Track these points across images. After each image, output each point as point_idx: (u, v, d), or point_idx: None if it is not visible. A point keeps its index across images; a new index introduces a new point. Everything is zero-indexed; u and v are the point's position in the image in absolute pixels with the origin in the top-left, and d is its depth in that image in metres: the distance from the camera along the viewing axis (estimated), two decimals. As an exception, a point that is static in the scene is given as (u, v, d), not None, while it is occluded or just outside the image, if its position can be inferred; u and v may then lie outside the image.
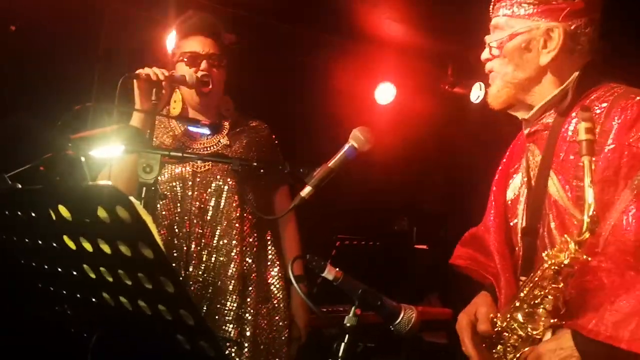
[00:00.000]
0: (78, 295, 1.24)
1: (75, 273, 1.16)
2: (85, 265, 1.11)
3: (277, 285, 2.14)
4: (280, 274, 2.15)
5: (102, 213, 0.96)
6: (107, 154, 1.55)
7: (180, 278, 1.96)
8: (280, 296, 2.14)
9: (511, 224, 1.60)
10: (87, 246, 1.05)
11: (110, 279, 1.07)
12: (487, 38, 1.52)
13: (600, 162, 1.35)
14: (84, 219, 1.00)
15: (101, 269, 1.08)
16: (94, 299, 1.19)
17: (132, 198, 0.92)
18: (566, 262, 1.28)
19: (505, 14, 1.48)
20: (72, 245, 1.08)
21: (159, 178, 2.04)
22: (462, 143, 4.49)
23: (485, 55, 1.53)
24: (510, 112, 1.57)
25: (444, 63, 4.56)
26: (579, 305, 1.32)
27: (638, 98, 1.37)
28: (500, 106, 1.53)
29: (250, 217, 2.10)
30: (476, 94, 4.42)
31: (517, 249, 1.57)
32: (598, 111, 1.41)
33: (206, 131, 1.98)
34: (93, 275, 1.11)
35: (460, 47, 4.35)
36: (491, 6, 1.53)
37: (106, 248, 1.01)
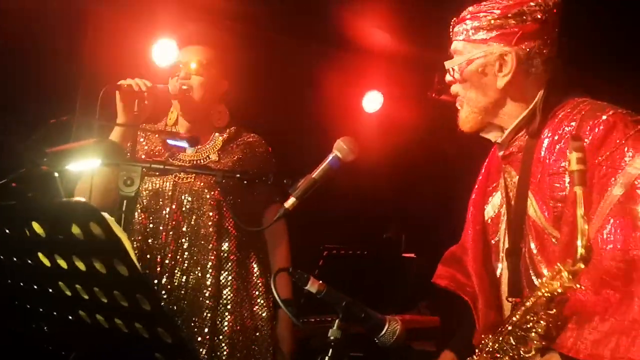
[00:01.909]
0: (55, 313, 1.21)
1: (51, 290, 1.14)
2: (60, 283, 1.09)
3: (261, 306, 2.04)
4: (264, 295, 2.06)
5: (76, 230, 0.94)
6: (84, 168, 1.53)
7: (157, 295, 1.91)
8: (265, 316, 2.04)
9: (492, 242, 1.60)
10: (62, 263, 1.03)
11: (86, 297, 1.05)
12: (447, 63, 1.54)
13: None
14: (58, 235, 0.97)
15: (77, 286, 1.05)
16: (70, 317, 1.16)
17: (105, 214, 0.90)
18: (559, 290, 1.29)
19: (463, 39, 1.50)
20: (47, 262, 1.06)
21: (140, 186, 2.00)
22: (449, 150, 4.50)
23: (448, 78, 1.56)
24: (483, 135, 1.58)
25: (430, 71, 4.56)
26: (562, 325, 1.34)
27: (604, 117, 1.39)
28: (470, 130, 1.55)
29: (231, 232, 2.03)
30: (463, 101, 4.43)
31: (498, 269, 1.58)
32: (568, 129, 1.43)
33: (184, 144, 1.95)
34: (69, 293, 1.09)
35: (446, 55, 4.36)
36: (450, 29, 1.55)
37: (81, 265, 0.99)
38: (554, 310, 1.33)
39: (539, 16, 1.44)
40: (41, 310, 1.24)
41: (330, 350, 1.36)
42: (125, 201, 1.59)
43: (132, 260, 0.91)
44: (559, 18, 1.49)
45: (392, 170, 4.46)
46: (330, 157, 1.61)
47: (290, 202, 1.60)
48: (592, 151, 1.35)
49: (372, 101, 4.49)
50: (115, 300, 0.99)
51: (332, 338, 1.37)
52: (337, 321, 1.38)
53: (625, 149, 1.33)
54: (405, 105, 4.56)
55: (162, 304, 1.81)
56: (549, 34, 1.47)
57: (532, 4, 1.45)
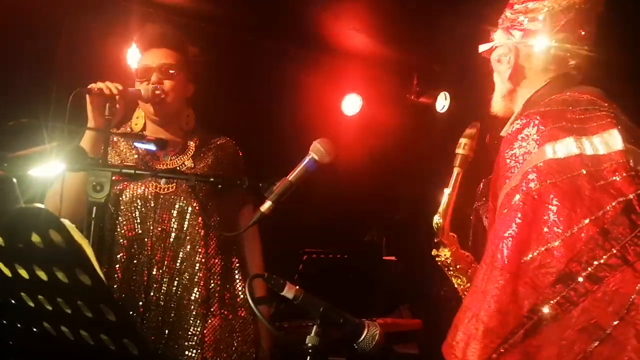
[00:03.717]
0: (19, 325, 1.16)
1: (13, 302, 1.09)
2: (22, 294, 1.04)
3: (243, 307, 2.04)
4: (245, 296, 2.05)
5: (35, 238, 0.89)
6: (47, 173, 1.47)
7: (139, 305, 1.88)
8: (248, 317, 2.05)
9: None
10: (23, 273, 0.98)
11: (50, 308, 1.00)
12: (480, 47, 1.61)
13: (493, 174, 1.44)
14: (18, 244, 0.93)
15: (39, 297, 1.01)
16: (35, 329, 1.11)
17: (65, 221, 0.85)
18: (447, 256, 1.60)
19: (498, 27, 1.58)
20: (7, 272, 1.01)
21: (121, 198, 1.96)
22: (428, 152, 4.50)
23: None
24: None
25: (409, 73, 4.57)
26: None
27: (527, 112, 1.42)
28: (498, 114, 1.61)
29: (215, 238, 2.02)
30: (441, 103, 4.44)
31: None
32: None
33: (152, 147, 1.90)
34: (32, 304, 1.04)
35: (425, 57, 4.38)
36: None
37: (42, 275, 0.95)
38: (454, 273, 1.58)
39: (541, 17, 1.48)
40: (4, 322, 1.19)
41: (308, 357, 1.32)
42: (94, 208, 1.53)
43: (94, 269, 0.87)
44: (583, 18, 1.49)
45: (372, 173, 4.45)
46: (306, 159, 1.58)
47: (267, 205, 1.57)
48: (505, 145, 1.37)
49: (351, 104, 4.48)
50: (79, 311, 0.95)
51: (309, 345, 1.34)
52: (314, 327, 1.36)
53: (533, 143, 1.32)
54: (384, 108, 4.56)
55: (129, 314, 1.79)
56: (561, 32, 1.47)
57: (544, 2, 1.48)
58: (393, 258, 3.70)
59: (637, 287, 1.15)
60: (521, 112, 1.50)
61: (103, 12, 3.28)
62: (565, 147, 1.28)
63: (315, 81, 4.21)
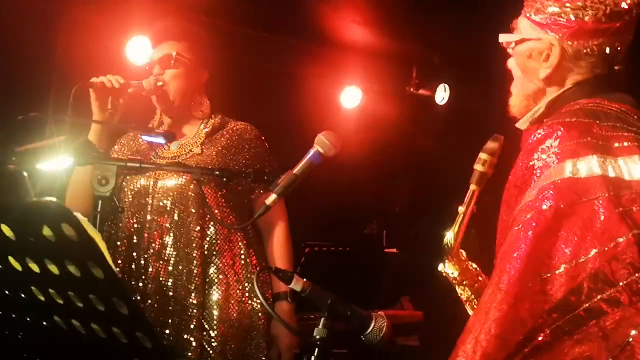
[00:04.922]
0: (28, 320, 1.16)
1: (23, 296, 1.09)
2: (33, 288, 1.04)
3: (255, 300, 1.96)
4: (259, 288, 1.96)
5: (47, 231, 0.89)
6: (55, 167, 1.47)
7: (136, 297, 1.86)
8: (258, 310, 1.97)
9: None
10: (34, 267, 0.98)
11: (61, 301, 1.01)
12: (501, 36, 1.45)
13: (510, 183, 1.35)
14: (28, 238, 0.93)
15: (50, 290, 1.01)
16: (45, 323, 1.11)
17: (78, 214, 0.85)
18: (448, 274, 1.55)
19: (526, 15, 1.41)
20: (17, 266, 1.01)
21: (121, 186, 1.96)
22: (428, 144, 4.50)
23: (510, 51, 1.49)
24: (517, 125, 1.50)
25: (408, 65, 4.56)
26: None
27: (550, 122, 1.31)
28: (518, 115, 1.46)
29: (217, 225, 1.97)
30: (441, 95, 4.44)
31: None
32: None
33: (160, 140, 1.90)
34: (42, 298, 1.04)
35: (424, 49, 4.38)
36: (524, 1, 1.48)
37: (54, 268, 0.95)
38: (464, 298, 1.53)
39: (600, 15, 1.31)
40: (13, 316, 1.19)
41: (316, 349, 1.33)
42: (100, 201, 1.52)
43: (107, 262, 0.87)
44: (634, 22, 1.35)
45: (372, 166, 4.46)
46: (311, 152, 1.58)
47: (272, 198, 1.57)
48: (526, 154, 1.29)
49: (350, 96, 4.48)
50: (91, 305, 0.95)
51: (317, 337, 1.34)
52: (322, 320, 1.36)
53: (554, 157, 1.22)
54: (384, 100, 4.56)
55: (141, 307, 1.79)
56: (612, 36, 1.33)
57: (606, 1, 1.31)
58: (394, 250, 3.71)
59: (635, 328, 1.10)
60: (545, 114, 1.39)
61: (103, 4, 3.27)
62: (587, 166, 1.19)
63: (314, 74, 4.20)
